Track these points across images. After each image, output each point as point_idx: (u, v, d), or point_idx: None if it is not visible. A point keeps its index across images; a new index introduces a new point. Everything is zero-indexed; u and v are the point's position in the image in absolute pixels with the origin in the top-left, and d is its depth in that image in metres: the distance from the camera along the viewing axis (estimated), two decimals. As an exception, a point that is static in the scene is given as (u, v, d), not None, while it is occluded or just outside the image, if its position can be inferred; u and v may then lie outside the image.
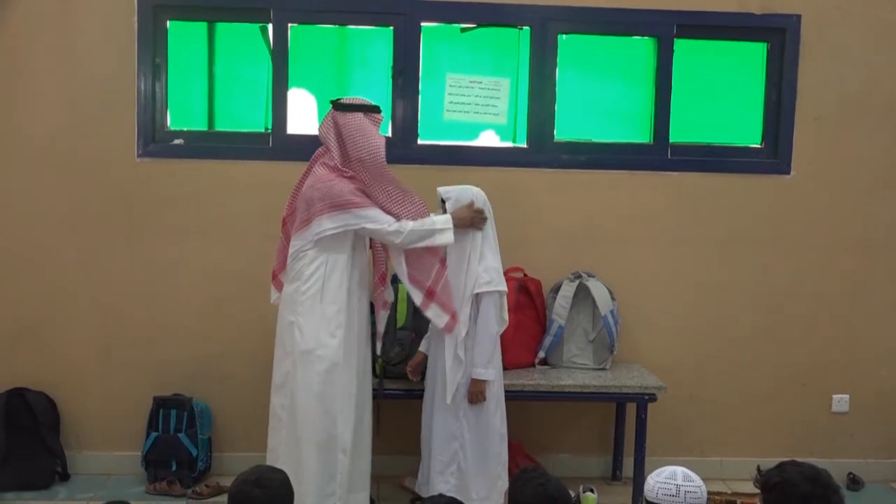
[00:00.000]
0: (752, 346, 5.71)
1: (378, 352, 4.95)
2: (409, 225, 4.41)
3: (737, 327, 5.69)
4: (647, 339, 5.62)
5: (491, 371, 4.66)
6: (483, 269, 4.61)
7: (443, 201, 4.64)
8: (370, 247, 4.70)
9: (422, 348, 4.89)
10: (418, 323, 5.02)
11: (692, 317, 5.67)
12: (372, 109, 4.50)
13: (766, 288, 5.68)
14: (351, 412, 4.48)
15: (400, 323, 5.15)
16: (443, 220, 4.48)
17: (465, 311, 4.59)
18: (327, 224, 4.38)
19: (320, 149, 4.58)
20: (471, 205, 4.58)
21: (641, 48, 5.68)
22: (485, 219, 4.60)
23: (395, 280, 4.99)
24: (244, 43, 5.66)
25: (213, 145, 5.49)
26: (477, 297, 4.61)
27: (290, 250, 4.52)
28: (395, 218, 4.42)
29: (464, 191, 4.63)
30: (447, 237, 4.46)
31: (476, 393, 4.64)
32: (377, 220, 4.39)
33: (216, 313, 5.49)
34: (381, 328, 4.85)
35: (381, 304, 4.81)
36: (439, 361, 4.67)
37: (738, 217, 5.63)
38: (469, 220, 4.57)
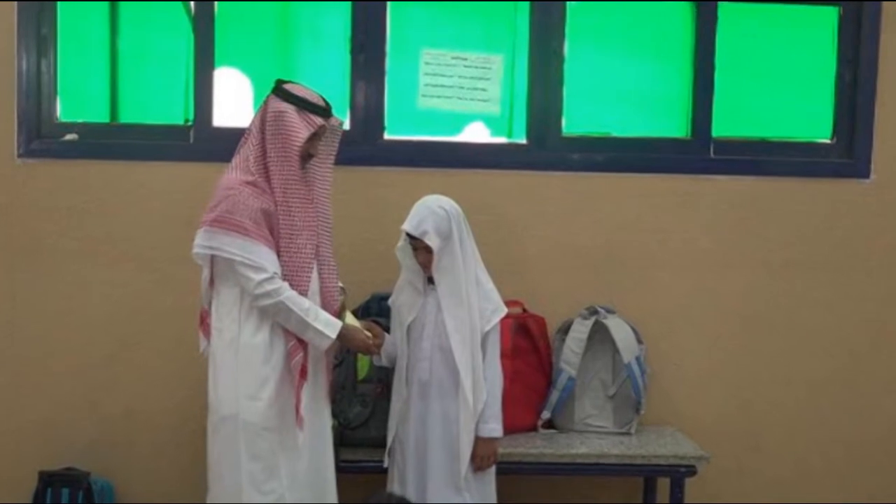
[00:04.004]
0: (821, 403, 5.70)
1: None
2: (285, 292, 4.33)
3: (801, 378, 5.69)
4: (683, 395, 5.63)
5: (501, 426, 4.70)
6: (484, 298, 4.68)
7: (412, 238, 4.59)
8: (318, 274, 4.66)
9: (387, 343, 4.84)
10: (385, 373, 5.00)
11: (742, 365, 5.66)
12: (309, 107, 4.45)
13: (839, 325, 5.69)
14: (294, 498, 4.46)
15: (361, 374, 5.13)
16: (325, 321, 4.42)
17: (479, 362, 4.62)
18: (199, 240, 4.37)
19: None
20: (364, 339, 4.61)
21: (675, 15, 5.72)
22: (377, 346, 4.66)
23: (358, 315, 4.98)
24: (157, 9, 5.69)
25: (117, 142, 5.49)
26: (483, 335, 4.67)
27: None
28: (270, 268, 4.34)
29: (434, 213, 4.57)
30: (321, 342, 4.42)
31: (487, 456, 4.67)
32: (256, 265, 4.31)
33: (122, 360, 5.47)
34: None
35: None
36: (428, 420, 4.68)
37: (801, 234, 5.64)
38: (357, 345, 4.65)
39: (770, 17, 5.72)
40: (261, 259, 4.30)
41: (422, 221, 4.54)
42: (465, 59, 5.50)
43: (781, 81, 5.80)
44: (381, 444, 4.87)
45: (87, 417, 5.46)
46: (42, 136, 5.42)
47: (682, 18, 5.66)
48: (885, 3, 5.54)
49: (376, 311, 5.23)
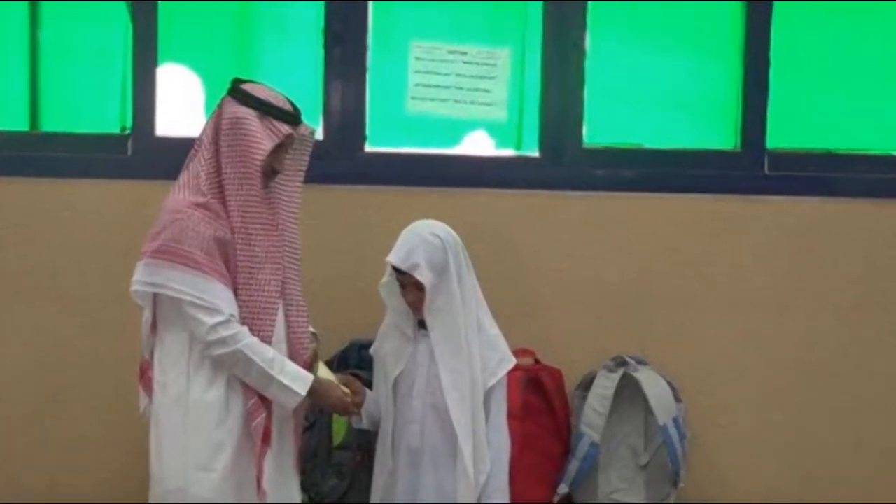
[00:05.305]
0: (900, 473, 5.72)
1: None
2: (243, 339, 4.29)
3: (874, 443, 5.68)
4: (731, 463, 5.62)
5: (508, 502, 4.66)
6: (488, 346, 4.64)
7: (399, 273, 4.56)
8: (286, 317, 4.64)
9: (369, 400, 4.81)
10: (366, 438, 5.01)
11: (802, 427, 5.66)
12: (273, 113, 4.44)
13: (924, 379, 5.70)
14: None
15: (338, 439, 5.16)
16: (293, 375, 4.39)
17: (482, 424, 4.59)
18: (140, 275, 4.33)
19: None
20: (341, 396, 4.58)
21: (721, 14, 5.78)
22: (356, 404, 4.61)
23: (333, 367, 4.98)
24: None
25: (38, 155, 5.52)
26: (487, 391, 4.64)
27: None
28: (226, 309, 4.32)
29: (426, 243, 4.55)
30: (288, 399, 4.39)
31: None
32: (208, 306, 4.28)
33: (46, 421, 5.48)
34: None
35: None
36: (420, 495, 4.65)
37: (875, 267, 5.65)
38: (332, 404, 4.62)
39: (836, 8, 5.75)
40: (214, 298, 4.26)
41: (411, 252, 4.49)
42: (465, 54, 5.53)
43: (850, 83, 5.82)
44: (361, 523, 4.85)
45: (4, 492, 5.44)
46: (-53, 149, 5.41)
47: (730, 6, 5.70)
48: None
49: (356, 361, 5.24)
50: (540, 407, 5.35)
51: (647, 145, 5.73)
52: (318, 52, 5.52)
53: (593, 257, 5.55)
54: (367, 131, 5.55)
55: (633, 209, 5.57)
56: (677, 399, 5.38)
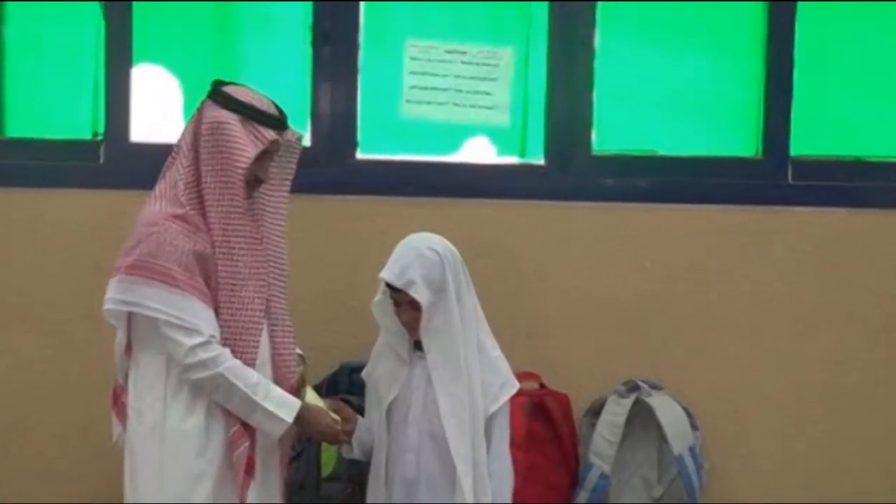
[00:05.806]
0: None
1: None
2: (225, 362, 4.27)
3: None
4: (752, 497, 5.58)
5: None
6: (489, 369, 4.61)
7: (393, 290, 4.54)
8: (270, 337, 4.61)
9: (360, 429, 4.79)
10: (357, 468, 4.98)
11: (830, 457, 5.63)
12: (257, 117, 4.42)
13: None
14: None
15: (327, 469, 5.13)
16: (279, 400, 4.37)
17: (483, 454, 4.56)
18: (113, 292, 4.30)
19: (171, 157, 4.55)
20: (330, 423, 4.56)
21: (742, 11, 5.78)
22: (346, 432, 4.60)
23: (322, 393, 4.95)
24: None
25: (5, 162, 5.53)
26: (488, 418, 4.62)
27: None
28: (206, 329, 4.30)
29: (422, 258, 4.52)
30: (274, 427, 4.38)
31: None
32: (187, 326, 4.26)
33: (11, 450, 5.48)
34: None
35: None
36: None
37: None
38: (320, 431, 4.60)
39: (863, 7, 5.75)
40: (193, 318, 4.24)
41: (406, 268, 4.47)
42: (464, 54, 5.53)
43: (879, 87, 5.84)
44: (352, 561, 4.83)
45: (-37, 531, 5.40)
46: None
47: (752, 4, 5.72)
48: None
49: (346, 386, 5.23)
50: (545, 435, 5.33)
51: (661, 152, 5.75)
52: (306, 51, 5.52)
53: (603, 273, 5.54)
54: (359, 137, 5.55)
55: (645, 221, 5.56)
56: (694, 427, 5.36)
